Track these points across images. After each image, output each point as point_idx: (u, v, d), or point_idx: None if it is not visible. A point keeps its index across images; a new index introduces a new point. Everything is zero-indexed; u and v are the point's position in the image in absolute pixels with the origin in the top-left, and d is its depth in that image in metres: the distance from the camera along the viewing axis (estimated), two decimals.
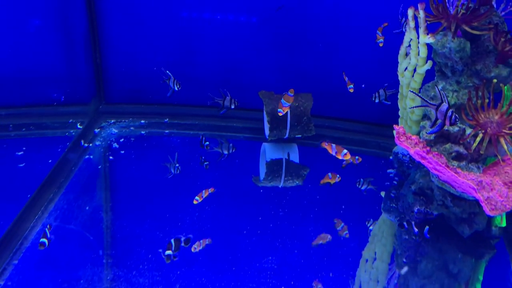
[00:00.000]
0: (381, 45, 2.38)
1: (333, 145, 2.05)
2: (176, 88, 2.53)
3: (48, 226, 1.79)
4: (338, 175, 2.14)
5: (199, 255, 1.86)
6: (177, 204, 2.16)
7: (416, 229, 1.93)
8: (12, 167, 2.31)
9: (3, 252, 1.76)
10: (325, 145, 2.05)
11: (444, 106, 1.82)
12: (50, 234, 1.76)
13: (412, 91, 2.05)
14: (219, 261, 1.84)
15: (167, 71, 2.54)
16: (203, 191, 2.06)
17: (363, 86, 2.51)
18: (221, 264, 1.83)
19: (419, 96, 1.92)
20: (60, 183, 2.22)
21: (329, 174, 2.14)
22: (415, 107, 2.07)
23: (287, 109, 2.23)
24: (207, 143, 2.41)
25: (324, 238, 1.98)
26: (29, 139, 2.65)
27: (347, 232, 2.03)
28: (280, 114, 2.21)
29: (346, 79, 2.44)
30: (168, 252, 1.72)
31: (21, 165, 2.27)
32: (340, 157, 2.06)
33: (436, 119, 1.86)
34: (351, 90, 2.42)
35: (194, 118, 2.92)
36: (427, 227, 1.91)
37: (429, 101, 1.88)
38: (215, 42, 2.86)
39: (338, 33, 2.74)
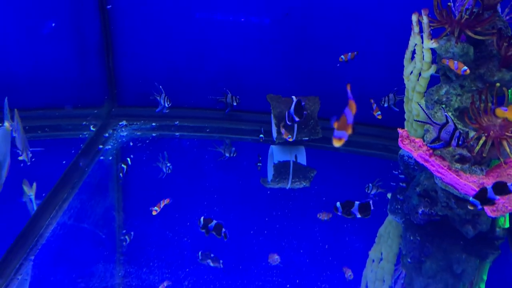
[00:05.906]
0: (379, 117, 2.48)
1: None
2: (235, 104, 2.74)
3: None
4: None
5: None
6: (186, 205, 2.21)
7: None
8: (28, 168, 2.37)
9: (20, 248, 1.83)
10: None
11: (451, 126, 1.81)
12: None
13: (417, 120, 2.08)
14: (227, 259, 1.89)
15: (227, 90, 2.70)
16: (161, 201, 2.08)
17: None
18: (229, 262, 1.87)
19: (424, 112, 1.95)
20: (73, 183, 2.29)
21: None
22: (419, 121, 2.11)
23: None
24: (261, 135, 2.45)
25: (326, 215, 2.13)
26: (44, 141, 2.73)
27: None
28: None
29: (374, 106, 2.49)
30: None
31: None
32: None
33: (437, 138, 1.86)
34: (379, 117, 2.48)
35: (203, 120, 2.97)
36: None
37: (433, 121, 1.89)
38: (223, 47, 2.91)
39: (345, 36, 2.76)
